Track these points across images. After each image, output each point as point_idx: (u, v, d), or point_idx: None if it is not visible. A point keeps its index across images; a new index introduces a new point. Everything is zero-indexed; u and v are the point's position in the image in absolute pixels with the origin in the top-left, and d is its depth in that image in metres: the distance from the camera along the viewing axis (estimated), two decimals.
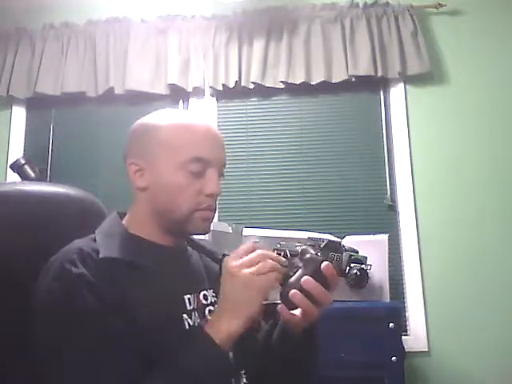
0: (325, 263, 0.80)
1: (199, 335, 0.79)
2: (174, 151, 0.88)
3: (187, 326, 0.85)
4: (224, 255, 1.04)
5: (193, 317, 0.87)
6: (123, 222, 0.94)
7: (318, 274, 0.79)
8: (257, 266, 0.77)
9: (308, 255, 0.81)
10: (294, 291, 0.79)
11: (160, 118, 0.93)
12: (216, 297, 0.94)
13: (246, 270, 0.77)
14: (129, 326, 0.78)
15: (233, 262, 0.79)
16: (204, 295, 0.92)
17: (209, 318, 0.89)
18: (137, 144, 0.92)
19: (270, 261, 0.79)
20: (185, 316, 0.86)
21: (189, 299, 0.89)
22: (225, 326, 0.77)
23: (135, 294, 0.82)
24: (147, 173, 0.90)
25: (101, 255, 0.83)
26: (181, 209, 0.88)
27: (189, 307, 0.88)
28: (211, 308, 0.92)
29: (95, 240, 0.87)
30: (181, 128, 0.90)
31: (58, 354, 0.76)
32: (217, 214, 2.42)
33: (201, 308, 0.90)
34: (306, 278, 0.79)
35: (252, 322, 0.80)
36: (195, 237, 1.03)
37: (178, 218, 0.89)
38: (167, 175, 0.88)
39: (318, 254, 0.82)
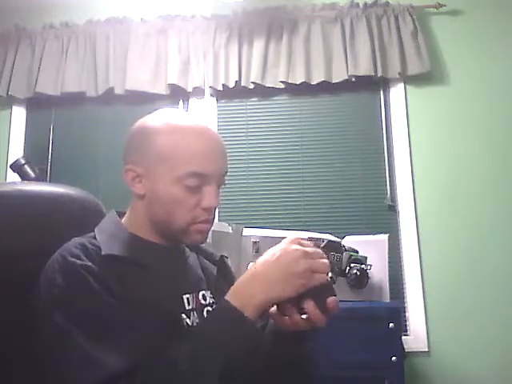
0: (332, 298, 0.77)
1: (225, 305, 0.77)
2: (171, 164, 0.86)
3: (186, 326, 0.85)
4: (222, 256, 1.04)
5: (191, 317, 0.87)
6: (122, 221, 0.93)
7: (321, 300, 0.77)
8: (315, 257, 0.77)
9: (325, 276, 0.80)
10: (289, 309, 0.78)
11: (158, 124, 0.89)
12: (214, 298, 0.93)
13: (305, 257, 0.76)
14: (134, 315, 0.78)
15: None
16: (203, 295, 0.92)
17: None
18: (134, 150, 0.90)
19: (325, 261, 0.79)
20: (183, 316, 0.86)
21: (188, 299, 0.89)
22: (254, 299, 0.75)
23: (136, 292, 0.81)
24: (145, 180, 0.89)
25: (103, 252, 0.83)
26: (177, 222, 0.87)
27: (187, 307, 0.88)
28: (209, 309, 0.91)
29: (95, 238, 0.87)
30: (178, 139, 0.87)
31: (67, 342, 0.75)
32: (217, 214, 2.42)
33: (199, 308, 0.90)
34: (308, 301, 0.77)
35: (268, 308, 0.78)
36: None
37: (174, 229, 0.88)
38: (163, 187, 0.86)
39: (334, 278, 0.81)
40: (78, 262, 0.79)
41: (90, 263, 0.79)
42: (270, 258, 0.78)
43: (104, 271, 0.79)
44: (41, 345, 0.79)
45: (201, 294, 0.92)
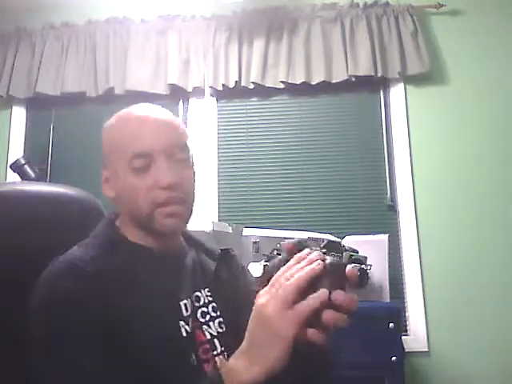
0: (349, 267, 0.72)
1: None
2: (119, 153, 0.86)
3: (184, 334, 0.83)
4: (222, 250, 1.01)
5: (190, 323, 0.85)
6: (117, 223, 0.92)
7: (341, 281, 0.70)
8: (282, 290, 0.65)
9: (328, 261, 0.72)
10: (328, 313, 0.66)
11: (110, 121, 0.92)
12: (211, 296, 0.91)
13: (271, 304, 0.65)
14: (119, 341, 0.76)
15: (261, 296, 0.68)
16: (196, 297, 0.90)
17: (201, 320, 0.87)
18: (102, 154, 0.92)
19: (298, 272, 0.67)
20: (181, 323, 0.84)
21: (185, 305, 0.86)
22: (243, 375, 0.65)
23: (129, 305, 0.79)
24: (111, 181, 0.89)
25: (91, 268, 0.80)
26: (141, 210, 0.85)
27: (185, 313, 0.86)
28: (204, 309, 0.89)
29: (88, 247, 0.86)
30: (120, 127, 0.89)
31: (45, 366, 0.76)
32: (217, 214, 2.42)
33: (193, 311, 0.88)
34: (337, 292, 0.67)
35: (277, 371, 0.64)
36: (193, 232, 1.01)
37: (143, 220, 0.86)
38: (122, 181, 0.86)
39: (336, 258, 0.73)
40: (63, 285, 0.77)
41: (75, 287, 0.77)
42: (253, 325, 0.68)
43: (89, 294, 0.77)
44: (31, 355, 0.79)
45: (194, 295, 0.90)
